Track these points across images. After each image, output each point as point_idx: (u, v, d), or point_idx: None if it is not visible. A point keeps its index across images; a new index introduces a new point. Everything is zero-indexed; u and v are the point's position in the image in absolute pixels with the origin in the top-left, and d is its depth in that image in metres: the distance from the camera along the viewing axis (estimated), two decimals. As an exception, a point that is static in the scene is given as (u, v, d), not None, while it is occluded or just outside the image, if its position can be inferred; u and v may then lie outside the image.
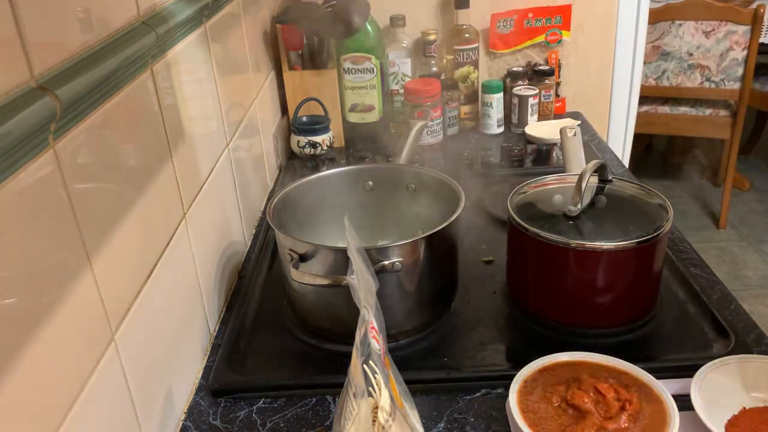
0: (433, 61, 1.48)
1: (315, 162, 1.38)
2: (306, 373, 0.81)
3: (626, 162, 1.70)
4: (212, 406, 0.76)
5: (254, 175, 1.18)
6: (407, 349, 0.83)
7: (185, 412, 0.75)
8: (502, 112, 1.48)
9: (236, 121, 1.07)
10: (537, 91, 1.45)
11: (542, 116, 1.48)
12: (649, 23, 1.80)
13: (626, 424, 0.65)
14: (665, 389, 0.68)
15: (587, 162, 0.88)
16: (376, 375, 0.54)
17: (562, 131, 1.07)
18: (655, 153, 3.42)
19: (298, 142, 1.36)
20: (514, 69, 1.51)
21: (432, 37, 1.46)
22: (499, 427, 0.70)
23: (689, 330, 0.84)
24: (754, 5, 2.53)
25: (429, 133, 1.42)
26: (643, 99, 2.64)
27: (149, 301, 0.67)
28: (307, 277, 0.77)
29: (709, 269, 0.94)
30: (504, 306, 0.90)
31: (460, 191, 0.87)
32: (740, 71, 2.61)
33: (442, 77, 1.47)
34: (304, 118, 1.37)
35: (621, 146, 1.72)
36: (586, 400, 0.67)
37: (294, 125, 1.36)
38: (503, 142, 1.45)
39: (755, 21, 2.51)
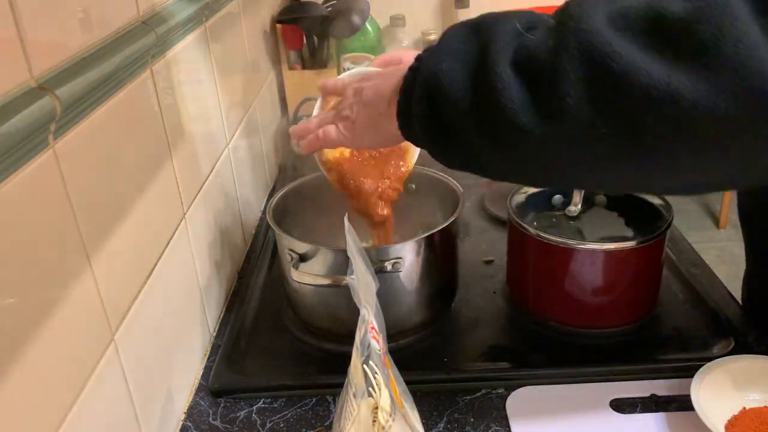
0: (433, 61, 1.48)
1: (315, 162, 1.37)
2: (306, 373, 0.81)
3: (626, 162, 1.70)
4: (212, 406, 0.76)
5: (254, 175, 1.18)
6: (407, 349, 0.83)
7: (185, 412, 0.75)
8: (502, 112, 1.48)
9: (236, 121, 1.07)
10: (537, 91, 1.45)
11: (542, 116, 1.48)
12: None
13: None
14: None
15: (587, 162, 0.88)
16: (376, 375, 0.54)
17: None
18: (655, 153, 3.41)
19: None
20: (514, 69, 1.51)
21: (432, 37, 1.46)
22: (499, 427, 0.70)
23: (689, 330, 0.84)
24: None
25: (429, 133, 1.42)
26: (643, 99, 2.64)
27: (149, 301, 0.67)
28: (307, 277, 0.77)
29: (709, 269, 0.94)
30: (504, 306, 0.90)
31: (460, 191, 0.87)
32: (740, 71, 2.61)
33: (442, 77, 1.47)
34: (305, 118, 1.37)
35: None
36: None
37: (294, 125, 1.36)
38: (503, 142, 1.45)
39: (755, 21, 2.50)
